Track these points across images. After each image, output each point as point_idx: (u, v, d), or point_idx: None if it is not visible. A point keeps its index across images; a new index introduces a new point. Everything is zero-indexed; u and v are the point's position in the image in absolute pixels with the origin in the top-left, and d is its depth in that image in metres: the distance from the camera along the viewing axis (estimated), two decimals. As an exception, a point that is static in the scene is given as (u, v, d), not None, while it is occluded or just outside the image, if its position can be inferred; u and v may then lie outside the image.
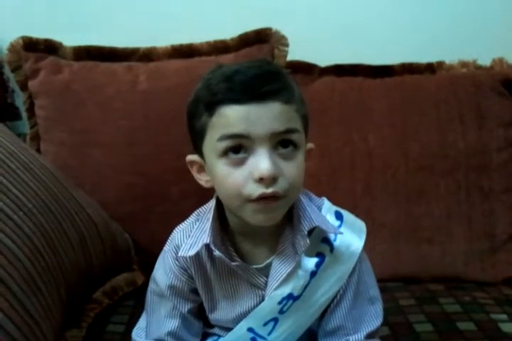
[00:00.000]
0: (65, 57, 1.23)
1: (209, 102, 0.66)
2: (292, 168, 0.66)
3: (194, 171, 0.74)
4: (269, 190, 0.64)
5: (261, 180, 0.64)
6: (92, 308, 1.00)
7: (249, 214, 0.67)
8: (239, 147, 0.65)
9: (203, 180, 0.73)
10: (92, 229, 1.02)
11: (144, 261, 1.13)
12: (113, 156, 1.18)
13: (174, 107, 1.16)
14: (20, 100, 1.28)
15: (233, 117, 0.64)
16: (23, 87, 1.22)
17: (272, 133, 0.64)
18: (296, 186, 0.68)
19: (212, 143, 0.66)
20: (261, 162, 0.64)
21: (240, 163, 0.65)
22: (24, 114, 1.26)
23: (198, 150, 0.71)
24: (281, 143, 0.66)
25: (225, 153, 0.65)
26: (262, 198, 0.65)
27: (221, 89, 0.65)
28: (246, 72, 0.66)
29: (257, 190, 0.64)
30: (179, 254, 0.74)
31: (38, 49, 1.22)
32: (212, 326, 0.82)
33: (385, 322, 0.94)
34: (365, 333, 0.75)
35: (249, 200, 0.65)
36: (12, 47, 1.21)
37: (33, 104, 1.22)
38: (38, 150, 1.19)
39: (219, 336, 0.81)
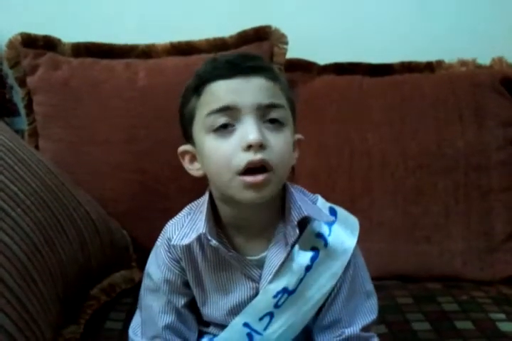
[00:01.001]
0: (64, 54, 1.23)
1: (196, 85, 0.70)
2: (279, 141, 0.68)
3: (186, 162, 0.75)
4: (257, 157, 0.65)
5: (249, 148, 0.65)
6: (89, 305, 1.00)
7: (238, 190, 0.67)
8: (226, 124, 0.67)
9: (194, 169, 0.74)
10: (90, 226, 1.01)
11: (142, 258, 1.12)
12: (111, 153, 1.17)
13: (173, 104, 1.14)
14: (18, 96, 1.27)
15: (220, 91, 0.67)
16: (22, 83, 1.22)
17: (258, 105, 0.67)
18: (284, 160, 0.69)
19: (202, 120, 0.69)
20: (248, 130, 0.66)
21: (228, 134, 0.67)
22: (22, 111, 1.26)
23: (189, 137, 0.73)
24: (268, 118, 0.68)
25: (213, 128, 0.67)
26: (250, 169, 0.65)
27: (207, 70, 0.70)
28: (230, 55, 0.71)
29: (245, 159, 0.65)
30: (172, 242, 0.74)
31: (36, 45, 1.22)
32: (207, 325, 0.82)
33: (383, 321, 0.95)
34: (360, 326, 0.76)
35: (238, 173, 0.66)
36: (11, 44, 1.21)
37: (32, 100, 1.22)
38: (37, 147, 1.19)
39: (214, 335, 0.80)
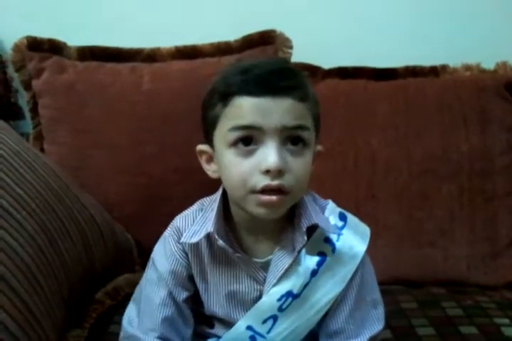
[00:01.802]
0: (69, 57, 1.23)
1: (224, 93, 0.68)
2: (300, 165, 0.67)
3: (203, 161, 0.75)
4: (275, 183, 0.65)
5: (267, 172, 0.65)
6: (94, 309, 1.00)
7: (251, 205, 0.68)
8: (249, 139, 0.66)
9: (210, 170, 0.74)
10: (95, 229, 1.02)
11: (146, 262, 1.12)
12: (116, 157, 1.18)
13: (178, 108, 1.16)
14: (23, 100, 1.28)
15: (246, 108, 0.66)
16: (27, 86, 1.22)
17: (283, 127, 0.66)
18: (302, 183, 0.69)
19: (224, 132, 0.68)
20: (269, 154, 0.65)
21: (249, 153, 0.67)
22: (27, 114, 1.26)
23: (209, 139, 0.72)
24: (291, 139, 0.67)
25: (235, 143, 0.67)
26: (266, 191, 0.66)
27: (237, 81, 0.67)
28: (263, 67, 0.68)
29: (262, 182, 0.66)
30: (181, 240, 0.75)
31: (42, 49, 1.22)
32: (211, 326, 0.82)
33: (387, 326, 0.94)
34: (367, 337, 0.75)
35: (253, 191, 0.66)
36: (16, 47, 1.21)
37: (37, 103, 1.22)
38: (42, 150, 1.19)
39: (218, 337, 0.80)
